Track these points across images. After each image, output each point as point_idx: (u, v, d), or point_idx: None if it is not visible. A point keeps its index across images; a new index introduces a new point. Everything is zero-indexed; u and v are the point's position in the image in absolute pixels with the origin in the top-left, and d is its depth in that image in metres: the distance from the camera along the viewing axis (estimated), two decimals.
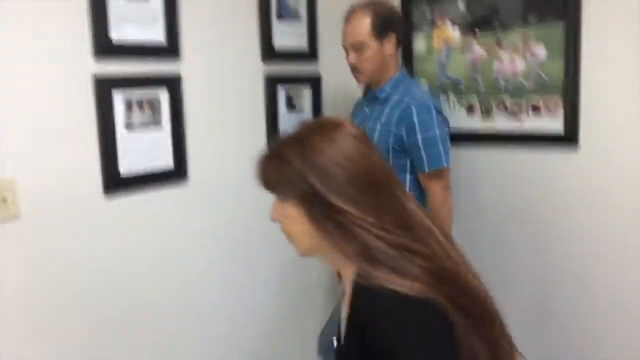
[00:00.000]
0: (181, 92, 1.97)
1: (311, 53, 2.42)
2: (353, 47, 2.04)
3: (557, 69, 2.15)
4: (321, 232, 1.07)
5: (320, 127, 1.13)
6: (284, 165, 1.08)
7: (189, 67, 1.99)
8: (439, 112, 2.05)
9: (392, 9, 2.12)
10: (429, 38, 2.46)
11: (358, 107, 2.28)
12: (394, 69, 2.11)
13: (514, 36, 2.23)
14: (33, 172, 1.63)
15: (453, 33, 2.39)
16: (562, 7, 2.10)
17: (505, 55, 2.26)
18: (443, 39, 2.42)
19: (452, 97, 2.43)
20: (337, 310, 1.32)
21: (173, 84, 1.95)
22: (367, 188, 1.07)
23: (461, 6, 2.36)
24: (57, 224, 1.69)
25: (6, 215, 1.57)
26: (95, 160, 1.77)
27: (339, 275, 1.32)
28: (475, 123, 2.37)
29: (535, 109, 2.23)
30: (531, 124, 2.24)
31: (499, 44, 2.27)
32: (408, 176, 2.06)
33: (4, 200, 1.56)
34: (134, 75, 1.85)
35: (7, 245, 1.59)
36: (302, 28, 2.37)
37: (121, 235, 1.85)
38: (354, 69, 2.08)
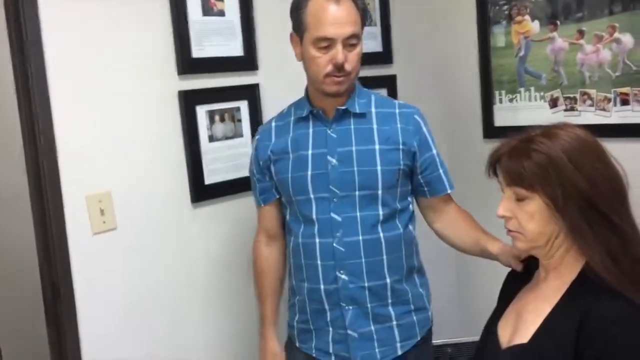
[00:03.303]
0: (260, 102, 2.04)
1: (386, 55, 2.44)
2: (345, 42, 1.52)
3: None
4: (573, 231, 1.14)
5: (579, 133, 1.18)
6: (550, 166, 1.13)
7: (266, 77, 2.07)
8: None
9: None
10: (507, 33, 2.40)
11: (298, 133, 1.64)
12: None
13: (598, 26, 2.14)
14: (127, 185, 1.76)
15: (532, 26, 2.33)
16: None
17: (588, 46, 2.17)
18: (522, 33, 2.36)
19: (533, 91, 2.36)
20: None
21: (252, 95, 2.02)
22: (622, 197, 1.15)
23: None
24: (150, 234, 1.82)
25: (105, 227, 1.71)
26: (183, 172, 1.89)
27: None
28: (559, 117, 2.29)
29: (624, 99, 2.13)
30: (620, 115, 2.14)
31: (581, 34, 2.19)
32: (409, 204, 1.70)
33: (102, 213, 1.69)
34: (215, 89, 1.94)
35: (106, 254, 1.73)
36: (376, 32, 2.39)
37: (207, 241, 1.96)
38: (340, 71, 1.53)
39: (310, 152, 1.61)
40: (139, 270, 1.80)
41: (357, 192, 1.58)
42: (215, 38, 1.93)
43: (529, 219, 1.16)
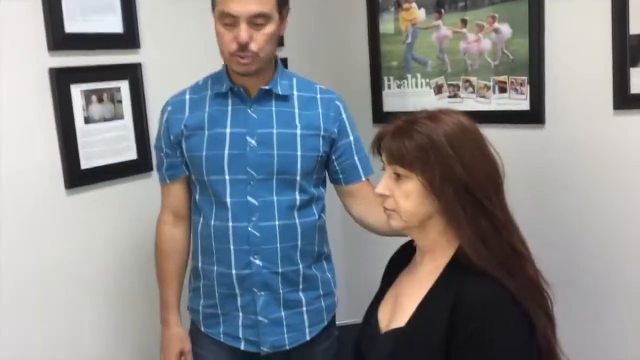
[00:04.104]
0: (142, 83, 1.94)
1: None
2: (250, 20, 1.45)
3: (522, 47, 2.14)
4: (447, 213, 1.16)
5: (462, 120, 1.21)
6: (430, 148, 1.15)
7: (149, 57, 1.96)
8: None
9: None
10: (395, 19, 2.44)
11: (216, 109, 1.57)
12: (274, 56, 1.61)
13: (480, 15, 2.22)
14: None
15: (419, 13, 2.38)
16: None
17: (470, 35, 2.25)
18: (409, 20, 2.41)
19: (420, 78, 2.42)
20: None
21: (133, 74, 1.92)
22: (497, 185, 1.19)
23: None
24: (17, 222, 1.68)
25: None
26: (55, 156, 1.76)
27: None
28: (444, 103, 2.36)
29: (502, 87, 2.23)
30: (498, 102, 2.24)
31: (464, 23, 2.26)
32: (324, 191, 1.69)
33: None
34: (92, 67, 1.82)
35: None
36: None
37: (87, 228, 1.85)
38: (243, 50, 1.46)
39: (228, 130, 1.54)
40: (10, 263, 1.66)
41: (275, 176, 1.55)
42: (92, 13, 1.80)
43: (405, 198, 1.18)
